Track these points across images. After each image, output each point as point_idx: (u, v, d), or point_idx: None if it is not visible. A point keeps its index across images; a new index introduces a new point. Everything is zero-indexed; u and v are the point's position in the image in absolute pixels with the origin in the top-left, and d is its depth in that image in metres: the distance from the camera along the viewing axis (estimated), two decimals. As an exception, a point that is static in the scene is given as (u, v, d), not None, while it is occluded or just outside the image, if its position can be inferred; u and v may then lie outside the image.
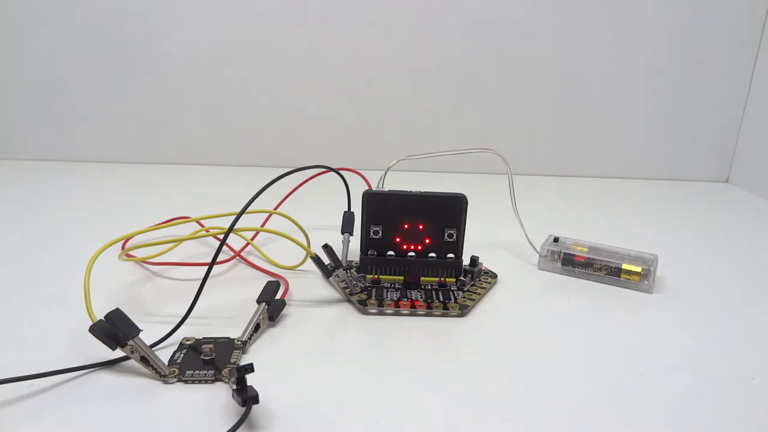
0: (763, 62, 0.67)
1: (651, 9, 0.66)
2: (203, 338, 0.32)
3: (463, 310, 0.36)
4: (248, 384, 0.26)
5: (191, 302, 0.33)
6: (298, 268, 0.42)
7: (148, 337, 0.30)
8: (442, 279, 0.40)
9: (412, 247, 0.39)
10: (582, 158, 0.73)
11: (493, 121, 0.71)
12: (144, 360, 0.29)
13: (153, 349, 0.29)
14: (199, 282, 0.33)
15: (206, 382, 0.29)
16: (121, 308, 0.29)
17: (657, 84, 0.69)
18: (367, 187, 0.42)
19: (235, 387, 0.26)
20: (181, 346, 0.32)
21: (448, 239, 0.39)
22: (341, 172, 0.44)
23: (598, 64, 0.69)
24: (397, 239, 0.39)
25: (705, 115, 0.71)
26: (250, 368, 0.26)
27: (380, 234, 0.39)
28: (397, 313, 0.36)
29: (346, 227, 0.43)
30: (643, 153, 0.72)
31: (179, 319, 0.32)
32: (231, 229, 0.35)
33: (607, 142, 0.72)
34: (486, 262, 0.43)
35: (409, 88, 0.69)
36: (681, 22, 0.67)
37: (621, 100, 0.70)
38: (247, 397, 0.26)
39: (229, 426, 0.25)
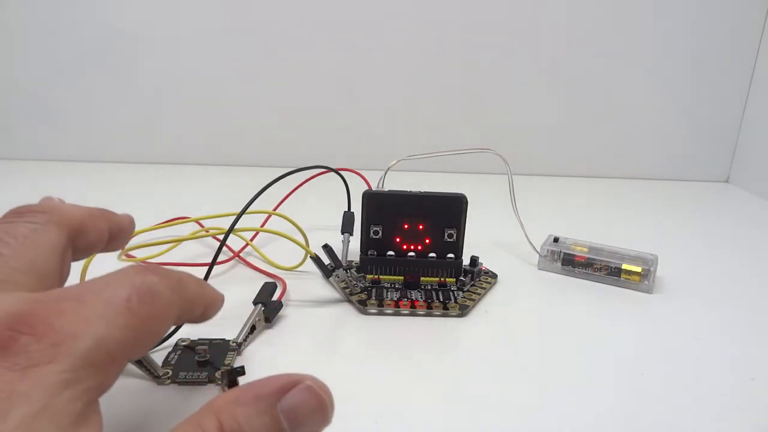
0: (763, 62, 0.67)
1: (651, 9, 0.66)
2: (198, 339, 0.32)
3: (463, 310, 0.36)
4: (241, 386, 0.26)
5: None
6: (297, 269, 0.42)
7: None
8: (442, 279, 0.40)
9: (412, 247, 0.39)
10: (582, 158, 0.73)
11: (493, 121, 0.71)
12: (138, 361, 0.28)
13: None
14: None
15: (199, 383, 0.29)
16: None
17: (657, 84, 0.69)
18: (367, 187, 0.42)
19: (227, 389, 0.26)
20: (176, 347, 0.31)
21: (448, 239, 0.39)
22: (341, 172, 0.44)
23: (597, 64, 0.69)
24: (397, 239, 0.39)
25: (705, 115, 0.71)
26: (241, 371, 0.25)
27: (380, 234, 0.39)
28: (397, 313, 0.36)
29: (346, 227, 0.43)
30: (642, 153, 0.72)
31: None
32: (231, 229, 0.35)
33: (607, 142, 0.72)
34: (486, 262, 0.43)
35: (409, 87, 0.69)
36: (681, 22, 0.67)
37: (621, 100, 0.70)
38: None
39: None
